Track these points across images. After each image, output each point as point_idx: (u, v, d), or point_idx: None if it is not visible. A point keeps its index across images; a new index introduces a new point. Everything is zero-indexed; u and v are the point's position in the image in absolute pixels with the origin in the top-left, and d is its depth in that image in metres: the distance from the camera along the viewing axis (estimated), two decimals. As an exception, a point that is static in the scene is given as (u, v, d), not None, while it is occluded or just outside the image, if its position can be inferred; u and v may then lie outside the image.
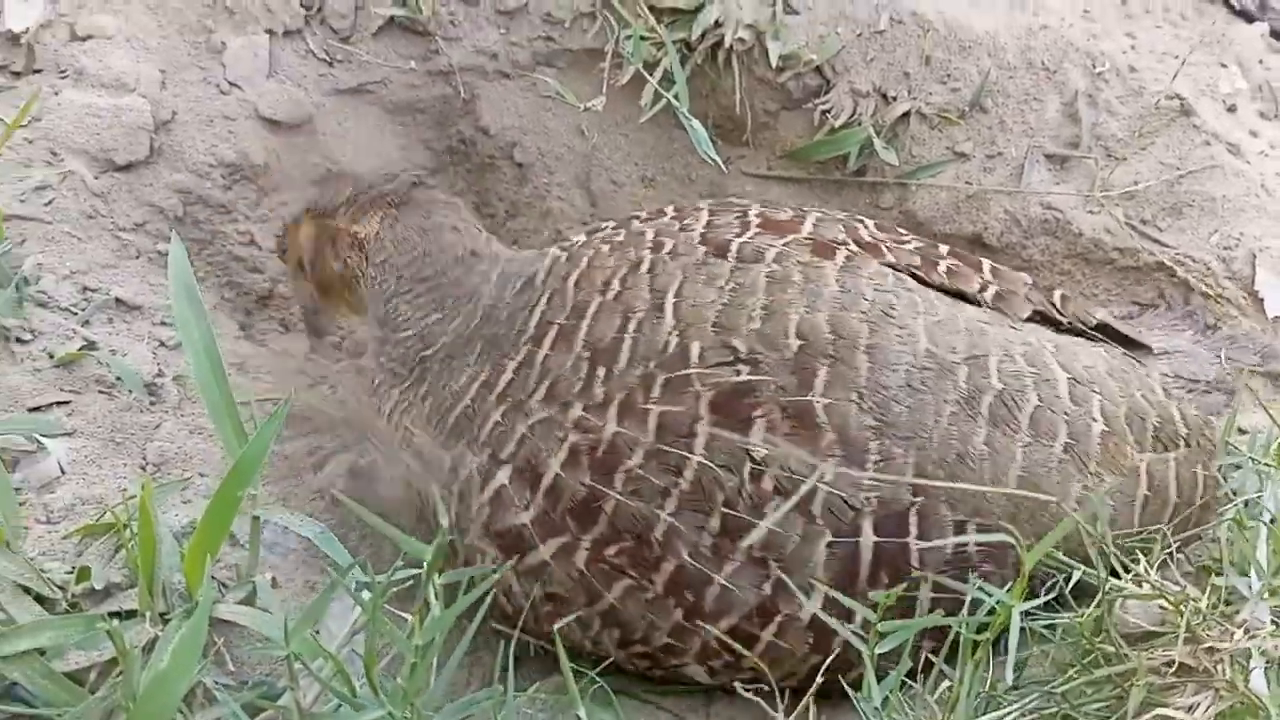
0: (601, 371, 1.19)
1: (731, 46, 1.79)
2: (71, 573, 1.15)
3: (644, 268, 1.26)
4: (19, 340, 1.38)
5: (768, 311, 1.19)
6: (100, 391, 1.38)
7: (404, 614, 1.05)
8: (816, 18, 1.82)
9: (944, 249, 1.36)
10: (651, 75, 1.79)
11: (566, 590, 1.18)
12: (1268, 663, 0.99)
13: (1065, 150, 1.77)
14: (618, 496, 1.15)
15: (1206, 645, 0.97)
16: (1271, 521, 1.16)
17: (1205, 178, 1.70)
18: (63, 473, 1.28)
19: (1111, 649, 1.06)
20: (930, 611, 1.12)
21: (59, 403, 1.34)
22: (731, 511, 1.14)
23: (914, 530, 1.14)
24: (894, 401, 1.16)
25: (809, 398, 1.15)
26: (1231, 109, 1.82)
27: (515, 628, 1.16)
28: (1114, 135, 1.76)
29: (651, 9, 1.80)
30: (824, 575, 1.13)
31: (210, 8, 1.76)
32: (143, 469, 1.32)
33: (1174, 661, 1.01)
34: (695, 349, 1.18)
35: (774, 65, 1.80)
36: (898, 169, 1.82)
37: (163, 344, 1.47)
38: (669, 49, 1.76)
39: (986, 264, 1.36)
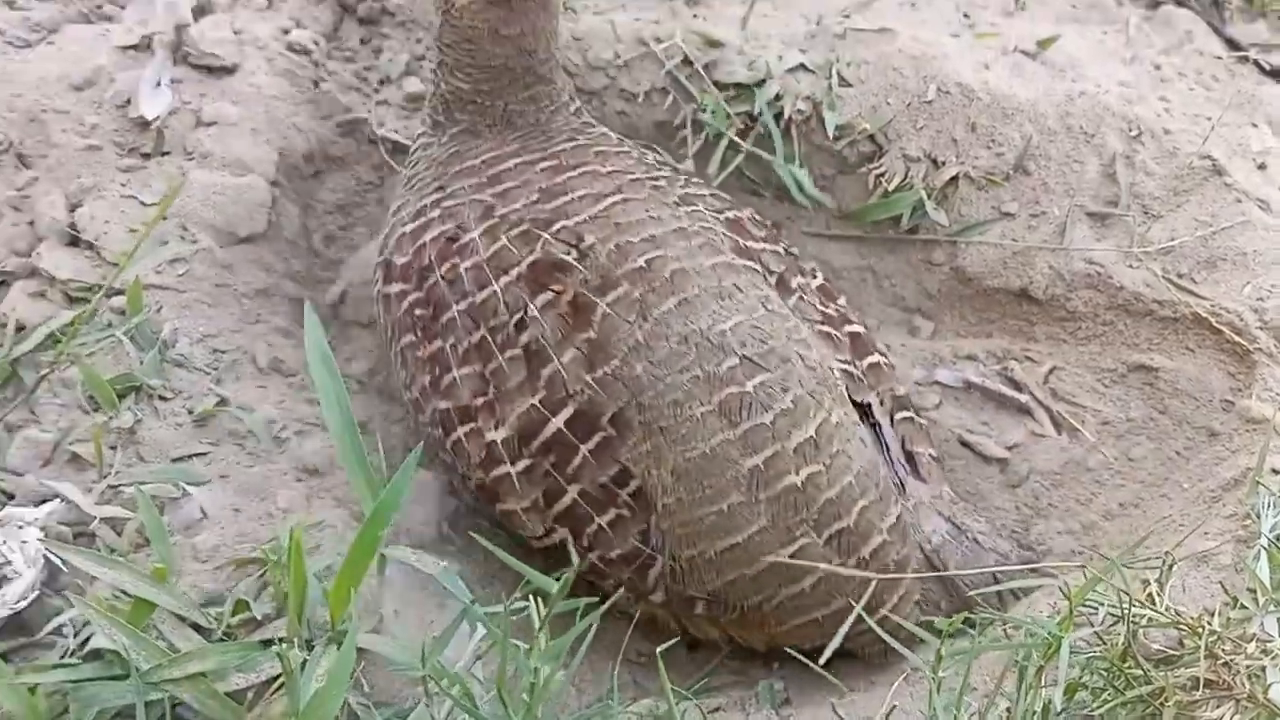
0: (511, 207, 1.50)
1: (791, 117, 1.93)
2: (223, 605, 1.30)
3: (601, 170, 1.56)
4: (161, 398, 1.53)
5: (632, 232, 1.46)
6: (234, 444, 1.53)
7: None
8: (869, 90, 1.95)
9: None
10: (719, 143, 1.93)
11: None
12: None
13: (1105, 209, 1.87)
14: (439, 277, 1.49)
15: (1224, 661, 1.08)
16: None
17: (1237, 233, 1.78)
18: (205, 516, 1.43)
19: (1139, 672, 1.18)
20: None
21: (198, 454, 1.49)
22: (489, 338, 1.44)
23: (581, 436, 1.40)
24: (660, 342, 1.40)
25: (598, 300, 1.41)
26: (1262, 167, 1.91)
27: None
28: (1151, 194, 1.86)
29: (717, 84, 1.95)
30: (515, 420, 1.42)
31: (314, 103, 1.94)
32: (271, 515, 1.47)
33: (1197, 679, 1.13)
34: (560, 224, 1.47)
35: (830, 134, 1.93)
36: (948, 228, 1.92)
37: (284, 400, 1.62)
38: (764, 112, 1.91)
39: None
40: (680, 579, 1.42)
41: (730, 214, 1.60)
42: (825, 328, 1.54)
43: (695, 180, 1.68)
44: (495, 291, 1.45)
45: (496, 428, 1.43)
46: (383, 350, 1.68)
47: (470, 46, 1.62)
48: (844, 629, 1.26)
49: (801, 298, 1.55)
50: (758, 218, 1.67)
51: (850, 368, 1.52)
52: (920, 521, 1.48)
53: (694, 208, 1.56)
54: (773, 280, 1.54)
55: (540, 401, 1.41)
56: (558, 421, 1.41)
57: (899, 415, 1.55)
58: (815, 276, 1.65)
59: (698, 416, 1.38)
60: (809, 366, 1.44)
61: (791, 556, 1.38)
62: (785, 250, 1.63)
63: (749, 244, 1.56)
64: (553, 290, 1.43)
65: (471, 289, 1.47)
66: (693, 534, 1.39)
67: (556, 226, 1.47)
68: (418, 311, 1.52)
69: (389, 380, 1.78)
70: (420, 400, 1.52)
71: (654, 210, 1.51)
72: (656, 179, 1.58)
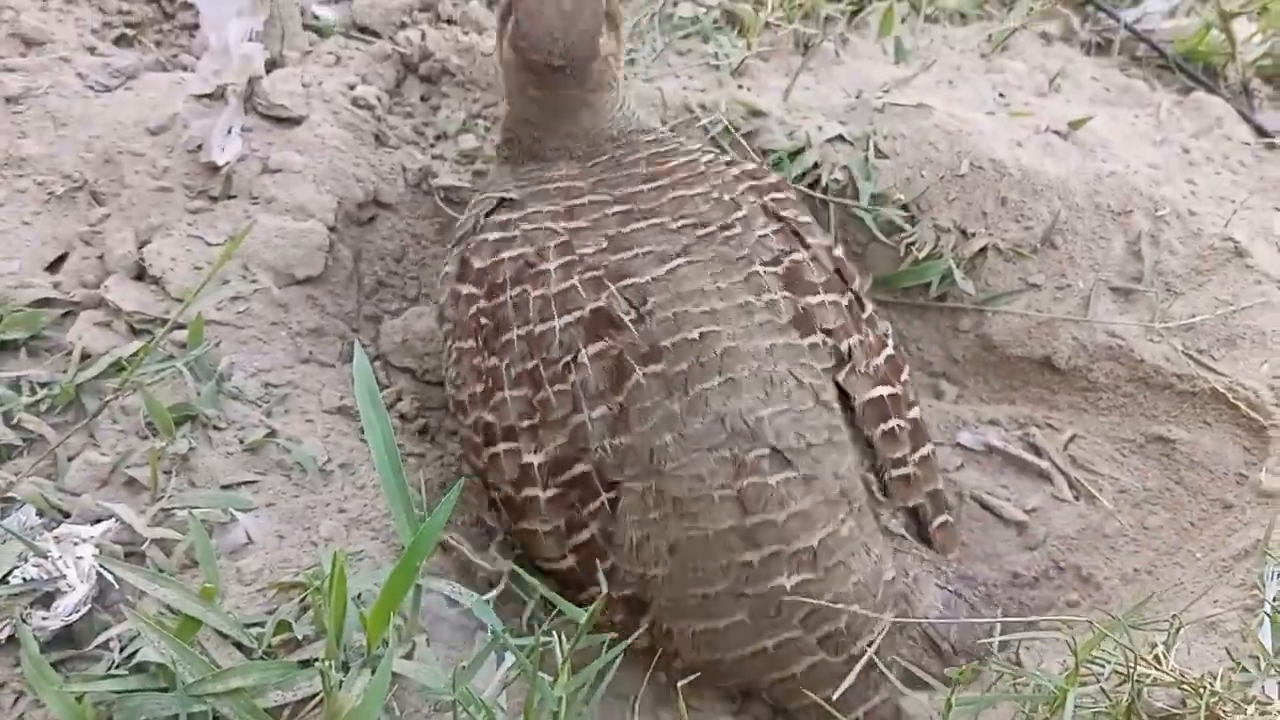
0: (584, 250, 1.53)
1: (828, 185, 2.00)
2: (264, 626, 1.37)
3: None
4: (215, 428, 1.60)
5: (693, 301, 1.47)
6: (281, 474, 1.59)
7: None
8: (904, 162, 2.02)
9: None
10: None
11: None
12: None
13: (1129, 284, 1.93)
14: (509, 297, 1.52)
15: (1223, 722, 1.13)
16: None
17: (1257, 313, 1.83)
18: (250, 541, 1.49)
19: (1144, 729, 1.22)
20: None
21: (247, 482, 1.56)
22: (541, 369, 1.48)
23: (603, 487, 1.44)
24: (696, 417, 1.41)
25: (637, 367, 1.43)
26: (1283, 249, 1.95)
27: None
28: (1173, 272, 1.92)
29: (758, 151, 2.03)
30: (552, 449, 1.46)
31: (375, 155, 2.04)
32: (313, 543, 1.54)
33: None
34: (630, 280, 1.49)
35: (865, 203, 2.00)
36: (975, 297, 1.98)
37: (329, 435, 1.69)
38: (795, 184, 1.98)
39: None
40: (668, 646, 1.46)
41: (793, 258, 1.57)
42: (885, 424, 1.54)
43: (772, 197, 1.66)
44: (554, 328, 1.49)
45: (535, 452, 1.48)
46: (438, 339, 1.74)
47: (511, 97, 1.73)
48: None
49: (854, 370, 1.54)
50: (821, 254, 1.63)
51: (905, 467, 1.54)
52: (919, 596, 1.51)
53: (759, 264, 1.54)
54: (829, 346, 1.53)
55: (572, 442, 1.46)
56: (584, 465, 1.46)
57: (937, 520, 1.59)
58: (883, 341, 1.64)
59: (714, 498, 1.41)
60: (838, 475, 1.46)
61: (775, 648, 1.42)
62: (850, 302, 1.61)
63: (806, 301, 1.54)
64: (605, 341, 1.47)
65: (534, 319, 1.51)
66: (677, 610, 1.43)
67: (626, 282, 1.49)
68: (483, 320, 1.56)
69: (429, 422, 1.85)
70: (467, 405, 1.58)
71: (720, 279, 1.51)
72: (729, 228, 1.57)
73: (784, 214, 1.63)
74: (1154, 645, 1.29)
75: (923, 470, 1.57)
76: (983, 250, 1.99)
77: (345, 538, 1.54)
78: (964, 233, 1.99)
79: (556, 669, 1.26)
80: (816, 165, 2.00)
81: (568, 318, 1.48)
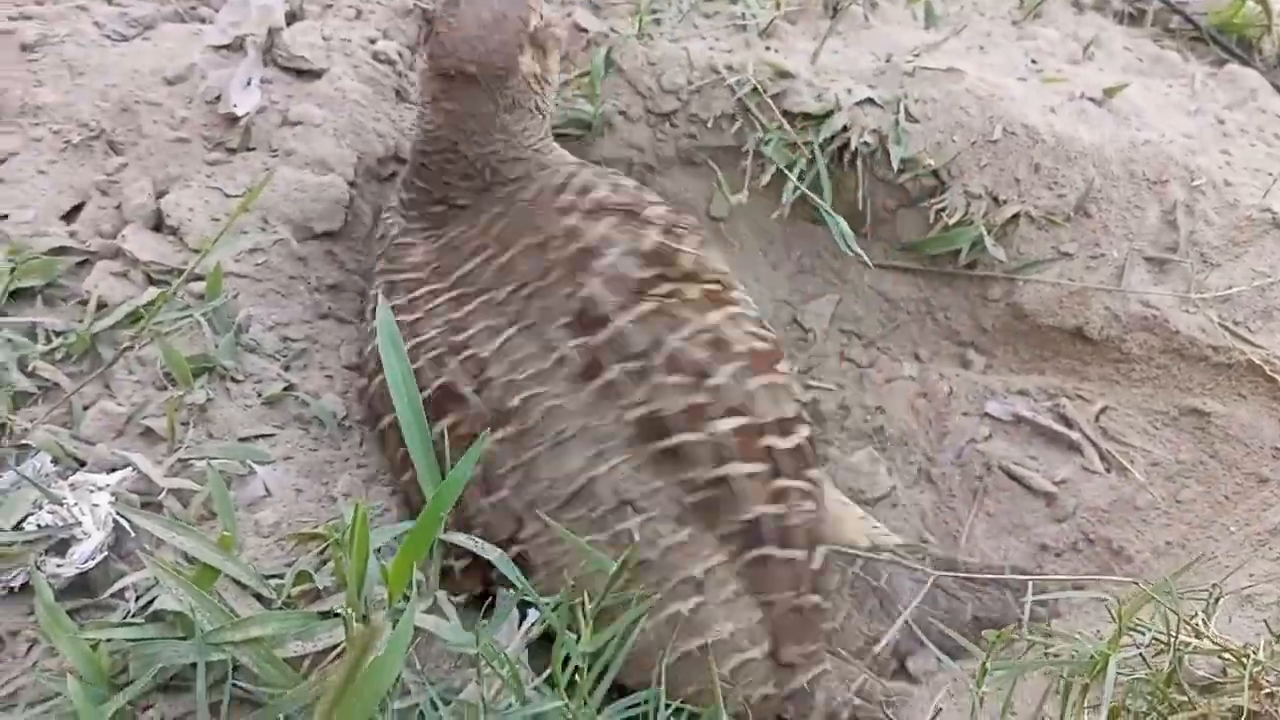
0: (428, 335, 1.52)
1: (857, 149, 1.97)
2: (282, 578, 1.34)
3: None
4: (233, 380, 1.58)
5: (519, 369, 1.45)
6: (299, 428, 1.57)
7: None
8: (935, 126, 1.99)
9: None
10: (781, 175, 1.97)
11: None
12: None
13: (1163, 254, 1.90)
14: (376, 387, 1.53)
15: (1268, 691, 1.09)
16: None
17: (1293, 285, 1.80)
18: (268, 494, 1.47)
19: (1184, 698, 1.19)
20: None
21: (265, 435, 1.54)
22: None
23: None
24: (534, 484, 1.41)
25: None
26: (1319, 223, 1.92)
27: None
28: (1209, 243, 1.88)
29: (785, 114, 1.99)
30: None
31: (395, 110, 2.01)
32: (331, 498, 1.51)
33: (1241, 708, 1.15)
34: (468, 353, 1.48)
35: (895, 167, 1.96)
36: (1006, 265, 1.95)
37: (347, 391, 1.66)
38: (816, 154, 1.94)
39: None
40: None
41: (585, 292, 1.48)
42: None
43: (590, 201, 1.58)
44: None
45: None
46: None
47: (422, 113, 1.68)
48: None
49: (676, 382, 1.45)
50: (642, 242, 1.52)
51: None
52: (897, 591, 1.49)
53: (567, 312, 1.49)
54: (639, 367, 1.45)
55: (458, 513, 1.43)
56: (477, 530, 1.41)
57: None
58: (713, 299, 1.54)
59: (589, 547, 1.35)
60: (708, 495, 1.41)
61: (701, 651, 1.37)
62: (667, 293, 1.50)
63: (598, 340, 1.46)
64: (452, 418, 1.46)
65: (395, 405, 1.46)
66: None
67: (464, 355, 1.49)
68: (371, 408, 1.62)
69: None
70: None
71: (541, 337, 1.48)
72: (544, 276, 1.51)
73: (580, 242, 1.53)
74: (1193, 615, 1.26)
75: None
76: (1014, 217, 1.95)
77: (364, 493, 1.52)
78: (995, 199, 1.95)
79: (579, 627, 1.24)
80: (845, 129, 1.97)
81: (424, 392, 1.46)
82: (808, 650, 1.40)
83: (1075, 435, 1.80)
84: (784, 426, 1.47)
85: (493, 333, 1.50)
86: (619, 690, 1.36)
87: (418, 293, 1.60)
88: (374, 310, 1.60)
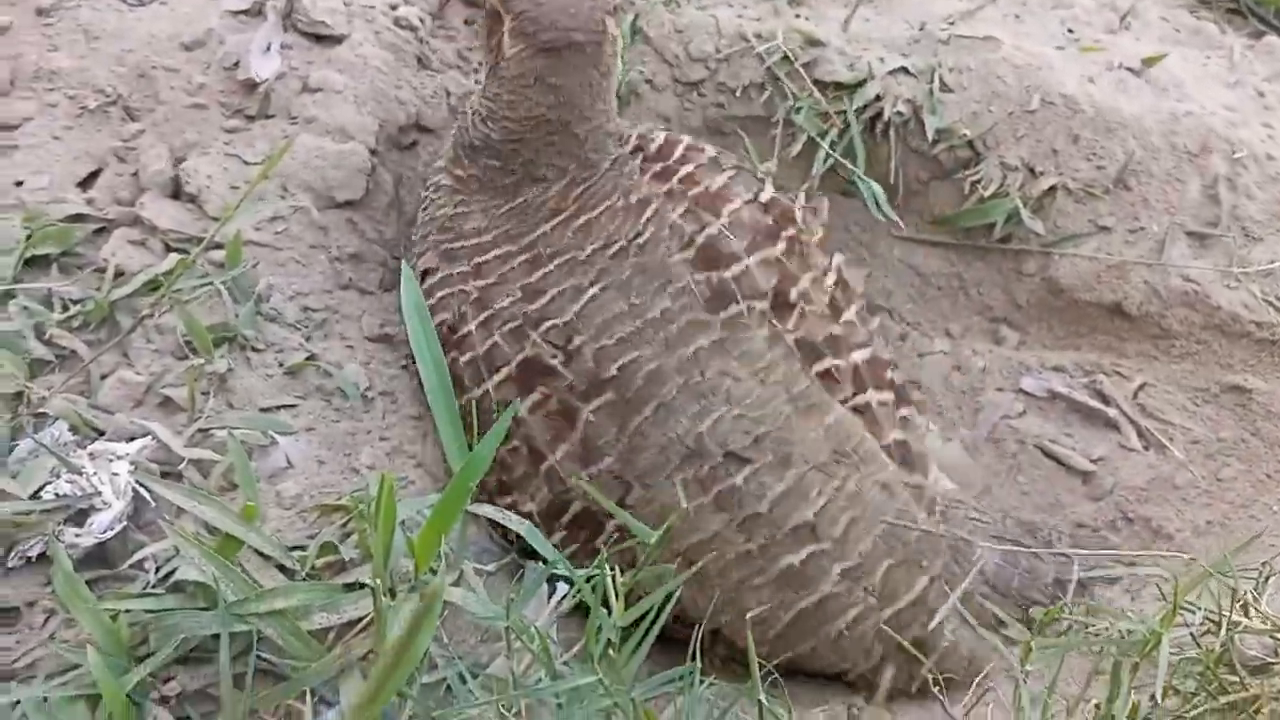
0: (500, 305, 1.49)
1: (890, 119, 1.92)
2: (306, 548, 1.31)
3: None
4: (254, 349, 1.54)
5: (609, 332, 1.43)
6: (321, 399, 1.54)
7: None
8: (970, 96, 1.95)
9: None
10: (812, 144, 1.93)
11: None
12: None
13: (1205, 229, 1.86)
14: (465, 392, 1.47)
15: (1321, 673, 1.06)
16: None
17: (1340, 261, 1.76)
18: (290, 466, 1.44)
19: (1235, 678, 1.16)
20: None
21: (287, 405, 1.51)
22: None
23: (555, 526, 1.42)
24: (641, 454, 1.38)
25: (582, 405, 1.40)
26: (1364, 196, 1.88)
27: None
28: (1251, 217, 1.84)
29: (816, 83, 1.95)
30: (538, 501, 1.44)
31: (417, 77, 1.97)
32: (355, 470, 1.48)
33: (1293, 690, 1.11)
34: (549, 323, 1.45)
35: (929, 138, 1.92)
36: (1042, 238, 1.91)
37: (370, 362, 1.63)
38: (850, 120, 1.90)
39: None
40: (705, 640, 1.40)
41: (707, 233, 1.50)
42: (829, 362, 1.49)
43: (680, 176, 1.58)
44: (488, 391, 1.46)
45: (531, 500, 1.45)
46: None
47: (512, 98, 1.59)
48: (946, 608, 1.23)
49: (804, 313, 1.49)
50: (745, 210, 1.55)
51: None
52: (972, 548, 1.47)
53: (675, 255, 1.49)
54: (766, 303, 1.48)
55: (550, 487, 1.43)
56: (577, 503, 1.42)
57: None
58: (829, 271, 1.57)
59: (692, 512, 1.37)
60: (818, 434, 1.41)
61: (815, 606, 1.38)
62: (787, 245, 1.54)
63: (724, 273, 1.48)
64: (540, 393, 1.44)
65: (470, 386, 1.48)
66: (703, 606, 1.39)
67: (545, 326, 1.46)
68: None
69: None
70: None
71: (636, 295, 1.46)
72: (639, 235, 1.51)
73: (694, 190, 1.55)
74: (1242, 593, 1.22)
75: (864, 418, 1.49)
76: (1051, 190, 1.91)
77: (388, 465, 1.49)
78: (1032, 171, 1.92)
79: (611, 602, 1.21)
80: (879, 98, 1.93)
81: (498, 376, 1.46)
82: (918, 583, 1.41)
83: (1113, 412, 1.76)
84: (892, 363, 1.58)
85: (575, 293, 1.47)
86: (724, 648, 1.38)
87: (485, 258, 1.56)
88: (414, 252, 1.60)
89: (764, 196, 1.58)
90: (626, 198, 1.55)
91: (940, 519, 1.47)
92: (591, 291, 1.46)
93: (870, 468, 1.43)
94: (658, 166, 1.58)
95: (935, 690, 1.17)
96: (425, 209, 1.72)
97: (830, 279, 1.55)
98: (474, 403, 1.46)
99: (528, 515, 1.42)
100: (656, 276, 1.47)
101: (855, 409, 1.47)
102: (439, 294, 1.56)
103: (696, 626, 1.27)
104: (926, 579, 1.41)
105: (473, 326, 1.50)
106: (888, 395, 1.52)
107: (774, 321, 1.46)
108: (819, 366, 1.47)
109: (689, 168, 1.58)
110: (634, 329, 1.43)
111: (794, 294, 1.49)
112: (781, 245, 1.53)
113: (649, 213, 1.52)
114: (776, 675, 1.24)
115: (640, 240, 1.50)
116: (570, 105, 1.57)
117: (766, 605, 1.38)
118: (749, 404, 1.40)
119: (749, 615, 1.37)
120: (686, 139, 1.64)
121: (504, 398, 1.44)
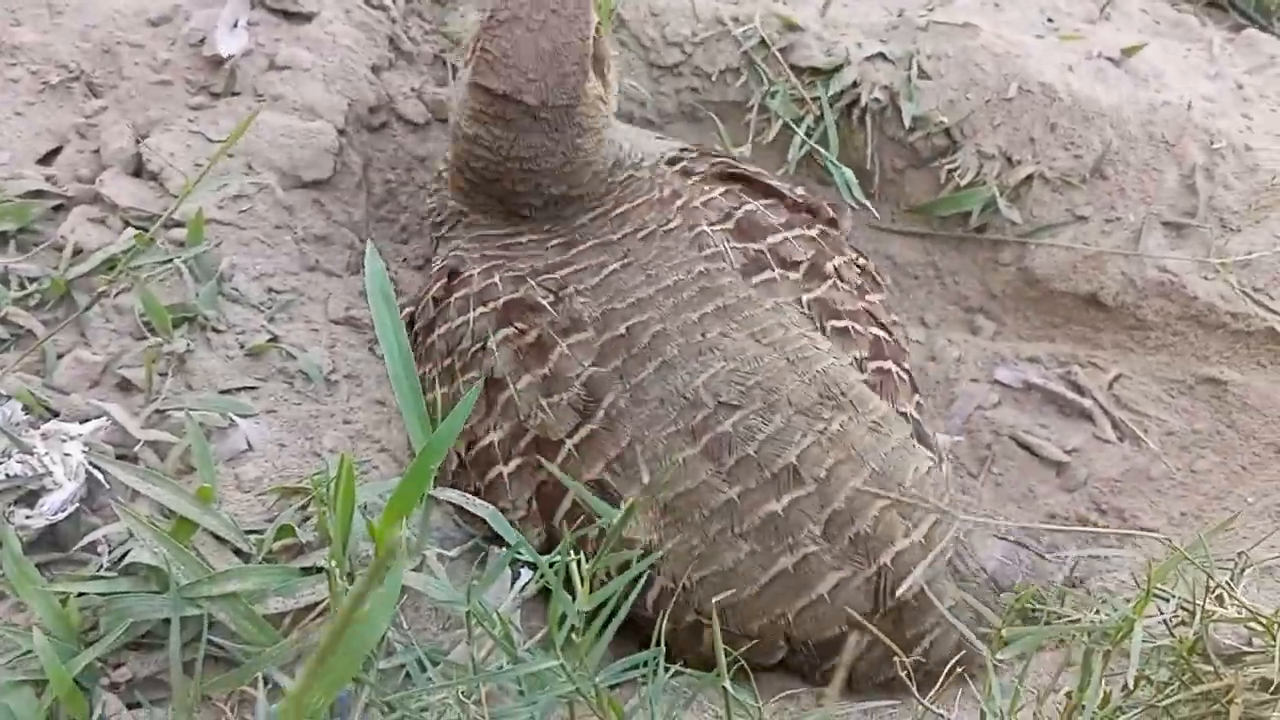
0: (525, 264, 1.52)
1: (866, 106, 1.91)
2: (264, 531, 1.28)
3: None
4: (215, 330, 1.51)
5: (620, 298, 1.44)
6: (283, 381, 1.50)
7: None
8: (948, 83, 1.93)
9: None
10: (788, 131, 1.91)
11: None
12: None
13: (1181, 219, 1.84)
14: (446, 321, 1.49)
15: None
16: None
17: (1314, 252, 1.75)
18: (250, 448, 1.41)
19: (1209, 668, 1.14)
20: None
21: (247, 387, 1.47)
22: (457, 360, 1.45)
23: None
24: (641, 408, 1.38)
25: (559, 340, 1.40)
26: (1342, 189, 1.87)
27: None
28: (1229, 208, 1.83)
29: (792, 67, 1.93)
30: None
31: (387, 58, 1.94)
32: (316, 454, 1.45)
33: (1269, 680, 1.10)
34: (552, 275, 1.47)
35: (906, 125, 1.90)
36: (1019, 228, 1.90)
37: (335, 345, 1.60)
38: (824, 106, 1.88)
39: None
40: (680, 603, 1.37)
41: (745, 209, 1.55)
42: (848, 323, 1.50)
43: (721, 170, 1.64)
44: (467, 320, 1.46)
45: (493, 430, 1.43)
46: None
47: (471, 138, 1.57)
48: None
49: (835, 285, 1.52)
50: (778, 195, 1.62)
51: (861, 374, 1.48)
52: (977, 544, 1.44)
53: (704, 225, 1.53)
54: (800, 272, 1.51)
55: (509, 417, 1.42)
56: (532, 432, 1.41)
57: None
58: (860, 260, 1.63)
59: (681, 462, 1.35)
60: (806, 381, 1.40)
61: (795, 568, 1.34)
62: (821, 231, 1.59)
63: (759, 245, 1.51)
64: (516, 327, 1.43)
65: (452, 316, 1.49)
66: (681, 560, 1.36)
67: (545, 276, 1.47)
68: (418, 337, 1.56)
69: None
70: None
71: (650, 268, 1.48)
72: (669, 220, 1.55)
73: (735, 171, 1.64)
74: (1216, 583, 1.21)
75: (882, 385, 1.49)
76: (1028, 179, 1.89)
77: (350, 449, 1.46)
78: (1009, 160, 1.90)
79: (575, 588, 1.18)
80: (855, 84, 1.91)
81: (482, 309, 1.46)
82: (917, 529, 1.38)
83: (1088, 403, 1.75)
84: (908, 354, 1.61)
85: (599, 268, 1.48)
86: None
87: (520, 239, 1.57)
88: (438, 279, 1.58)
89: (798, 192, 1.65)
90: (661, 191, 1.58)
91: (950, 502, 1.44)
92: (613, 267, 1.48)
93: (862, 409, 1.40)
94: (693, 176, 1.63)
95: (905, 676, 1.13)
96: (434, 215, 1.72)
97: (861, 265, 1.62)
98: (449, 332, 1.47)
99: (487, 447, 1.42)
100: (679, 253, 1.49)
101: (876, 371, 1.48)
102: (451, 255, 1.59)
103: (662, 614, 1.24)
104: (926, 527, 1.37)
105: (475, 272, 1.51)
106: (905, 375, 1.53)
107: (803, 284, 1.50)
108: (836, 324, 1.48)
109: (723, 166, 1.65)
110: (644, 295, 1.44)
111: (828, 267, 1.53)
112: (816, 229, 1.59)
113: (680, 202, 1.56)
114: (744, 663, 1.21)
115: (669, 226, 1.53)
116: (517, 155, 1.54)
117: (744, 558, 1.34)
118: (744, 359, 1.40)
119: (726, 569, 1.35)
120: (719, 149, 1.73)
121: (479, 329, 1.45)
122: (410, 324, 1.57)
